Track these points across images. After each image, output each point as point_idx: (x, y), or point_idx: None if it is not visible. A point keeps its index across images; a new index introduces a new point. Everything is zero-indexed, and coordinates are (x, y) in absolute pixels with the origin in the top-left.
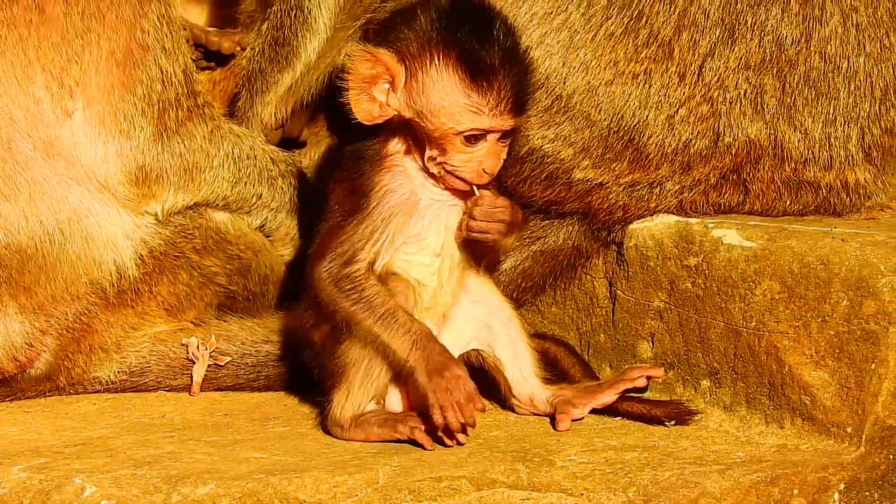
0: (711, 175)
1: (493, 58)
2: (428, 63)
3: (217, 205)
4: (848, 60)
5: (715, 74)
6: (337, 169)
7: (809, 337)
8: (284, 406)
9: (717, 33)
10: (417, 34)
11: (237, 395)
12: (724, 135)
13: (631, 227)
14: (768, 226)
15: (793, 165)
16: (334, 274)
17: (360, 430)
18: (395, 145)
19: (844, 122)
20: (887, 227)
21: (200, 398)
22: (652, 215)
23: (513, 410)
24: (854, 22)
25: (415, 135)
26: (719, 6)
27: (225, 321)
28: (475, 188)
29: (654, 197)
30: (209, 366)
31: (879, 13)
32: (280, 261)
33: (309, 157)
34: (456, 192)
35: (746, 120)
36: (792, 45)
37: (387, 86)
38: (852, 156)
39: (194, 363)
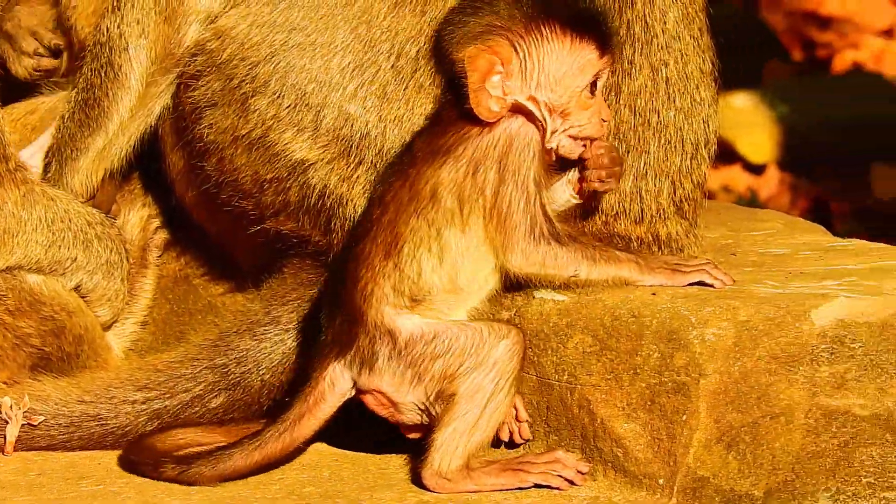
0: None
1: (585, 7)
2: (539, 37)
3: (30, 268)
4: (658, 114)
5: None
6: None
7: (621, 389)
8: (98, 465)
9: None
10: (516, 15)
11: (51, 454)
12: None
13: None
14: None
15: (604, 218)
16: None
17: (471, 480)
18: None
19: (655, 175)
20: None
21: (14, 458)
22: None
23: None
24: (664, 76)
25: (522, 111)
26: None
27: (38, 380)
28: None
29: None
30: (22, 425)
31: (689, 68)
32: (95, 321)
33: (122, 217)
34: (563, 164)
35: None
36: None
37: (498, 77)
38: (664, 209)
39: (7, 423)
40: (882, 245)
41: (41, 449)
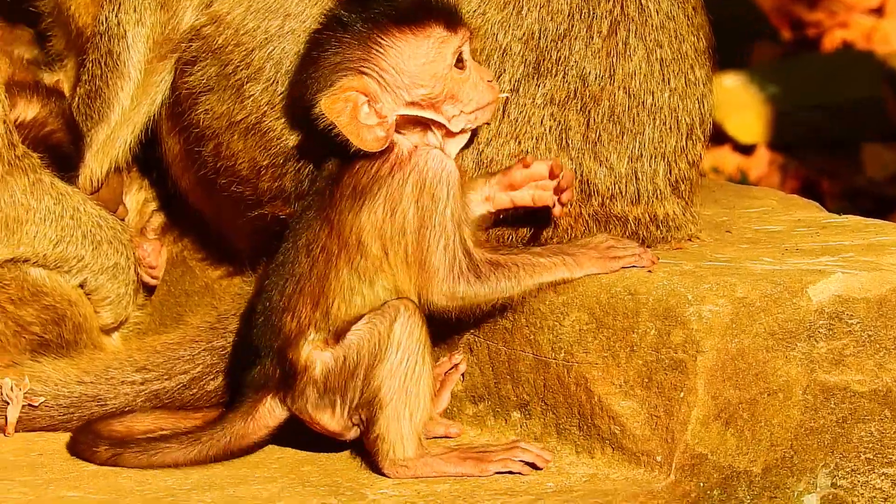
0: (520, 210)
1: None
2: (380, 48)
3: (36, 262)
4: (653, 95)
5: (521, 111)
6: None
7: (618, 367)
8: None
9: (522, 70)
10: (351, 42)
11: (51, 435)
12: None
13: None
14: None
15: (600, 200)
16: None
17: (429, 466)
18: (406, 145)
19: (651, 156)
20: (694, 257)
21: (15, 438)
22: None
23: None
24: (658, 57)
25: (414, 120)
26: (522, 41)
27: (38, 362)
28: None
29: None
30: (23, 406)
31: (685, 48)
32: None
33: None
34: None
35: (552, 155)
36: (596, 81)
37: (366, 107)
38: (660, 190)
39: (8, 404)
40: (878, 221)
41: (42, 430)
